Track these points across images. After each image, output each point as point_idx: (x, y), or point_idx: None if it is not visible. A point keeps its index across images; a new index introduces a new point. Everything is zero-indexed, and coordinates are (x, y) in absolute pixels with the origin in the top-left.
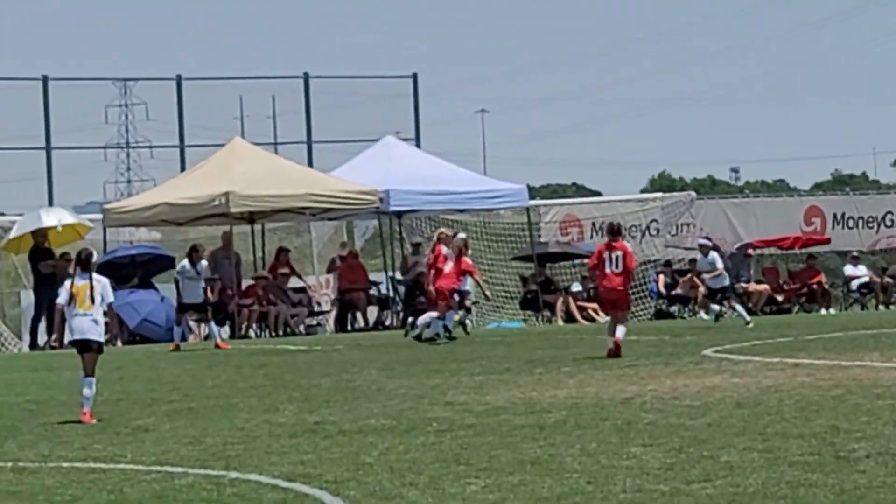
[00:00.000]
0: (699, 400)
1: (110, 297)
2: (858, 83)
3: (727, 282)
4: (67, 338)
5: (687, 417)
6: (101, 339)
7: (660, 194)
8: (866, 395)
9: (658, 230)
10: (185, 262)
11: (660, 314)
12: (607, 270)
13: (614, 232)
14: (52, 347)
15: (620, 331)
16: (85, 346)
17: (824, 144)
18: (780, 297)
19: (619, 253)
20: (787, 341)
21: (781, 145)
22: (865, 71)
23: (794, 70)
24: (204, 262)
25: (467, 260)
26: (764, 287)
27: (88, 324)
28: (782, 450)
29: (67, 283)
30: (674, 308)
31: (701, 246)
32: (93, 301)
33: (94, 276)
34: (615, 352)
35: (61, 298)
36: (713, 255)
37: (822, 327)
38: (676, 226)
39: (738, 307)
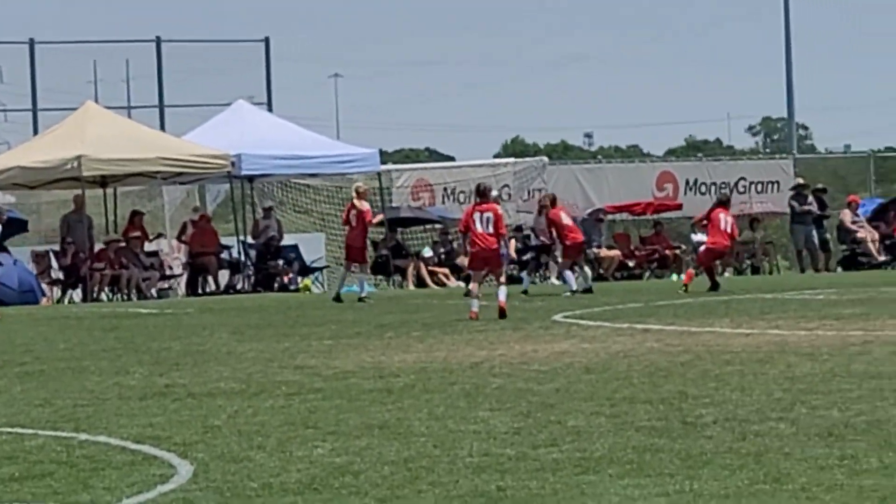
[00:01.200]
0: (548, 365)
1: None
2: (713, 49)
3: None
4: None
5: (535, 382)
6: None
7: (512, 159)
8: (715, 362)
9: (510, 195)
10: None
11: (510, 279)
12: (479, 229)
13: (482, 193)
14: None
15: (503, 292)
16: None
17: (679, 110)
18: (631, 263)
19: (490, 214)
20: (637, 307)
21: (636, 111)
22: (720, 37)
23: (649, 35)
24: None
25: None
26: (615, 253)
27: None
28: (630, 415)
29: None
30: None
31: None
32: None
33: None
34: (502, 313)
35: None
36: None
37: (672, 293)
38: (528, 191)
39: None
